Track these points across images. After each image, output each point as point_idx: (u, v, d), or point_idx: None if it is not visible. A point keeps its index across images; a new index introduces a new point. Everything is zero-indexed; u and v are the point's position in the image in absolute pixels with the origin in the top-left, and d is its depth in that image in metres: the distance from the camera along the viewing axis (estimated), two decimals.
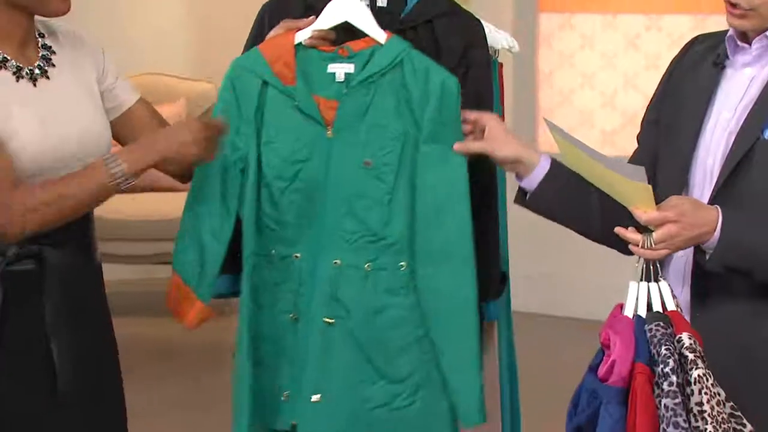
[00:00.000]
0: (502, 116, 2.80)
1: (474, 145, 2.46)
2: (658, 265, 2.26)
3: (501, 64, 2.87)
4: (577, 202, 2.46)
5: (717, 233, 2.23)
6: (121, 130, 2.54)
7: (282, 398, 2.52)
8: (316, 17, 2.52)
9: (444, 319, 2.47)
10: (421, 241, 2.47)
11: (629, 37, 6.16)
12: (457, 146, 2.45)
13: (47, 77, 2.42)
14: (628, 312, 2.25)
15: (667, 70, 2.52)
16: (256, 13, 2.72)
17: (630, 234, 2.24)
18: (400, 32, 2.61)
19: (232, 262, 2.55)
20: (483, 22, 2.71)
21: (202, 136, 2.39)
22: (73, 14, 2.45)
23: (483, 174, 2.60)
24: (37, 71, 2.41)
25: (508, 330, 2.96)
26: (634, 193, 2.21)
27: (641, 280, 2.26)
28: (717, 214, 2.24)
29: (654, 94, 2.53)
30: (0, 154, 2.30)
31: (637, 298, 2.26)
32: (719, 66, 2.39)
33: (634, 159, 2.48)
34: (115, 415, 2.55)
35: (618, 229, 2.25)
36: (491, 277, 2.70)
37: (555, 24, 6.31)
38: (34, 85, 2.40)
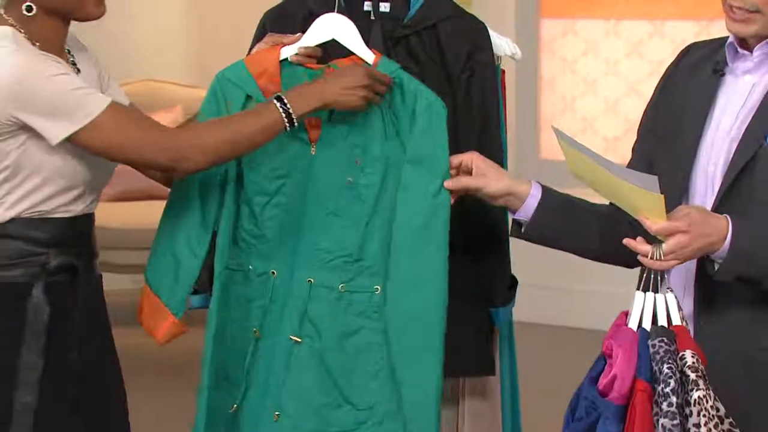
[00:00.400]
0: (504, 123, 2.80)
1: (466, 181, 2.46)
2: (666, 276, 2.25)
3: (503, 71, 2.88)
4: (574, 225, 2.47)
5: (727, 243, 2.23)
6: None
7: (230, 410, 2.50)
8: (303, 33, 2.52)
9: (407, 347, 2.43)
10: (395, 264, 2.44)
11: (632, 44, 6.17)
12: (448, 183, 2.44)
13: None
14: (633, 324, 2.24)
15: (662, 78, 2.52)
16: (255, 20, 2.72)
17: (640, 245, 2.23)
18: (403, 37, 2.62)
19: (209, 278, 2.56)
20: (487, 27, 2.72)
21: (365, 83, 2.40)
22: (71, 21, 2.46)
23: None
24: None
25: (510, 339, 2.96)
26: (645, 202, 2.20)
27: (646, 290, 2.25)
28: (727, 224, 2.24)
29: (648, 103, 2.53)
30: (119, 108, 2.32)
31: (642, 310, 2.25)
32: (719, 73, 2.39)
33: (630, 168, 2.48)
34: (121, 428, 2.56)
35: (627, 241, 2.24)
36: (499, 281, 2.70)
37: (557, 30, 6.32)
38: None
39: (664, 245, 2.20)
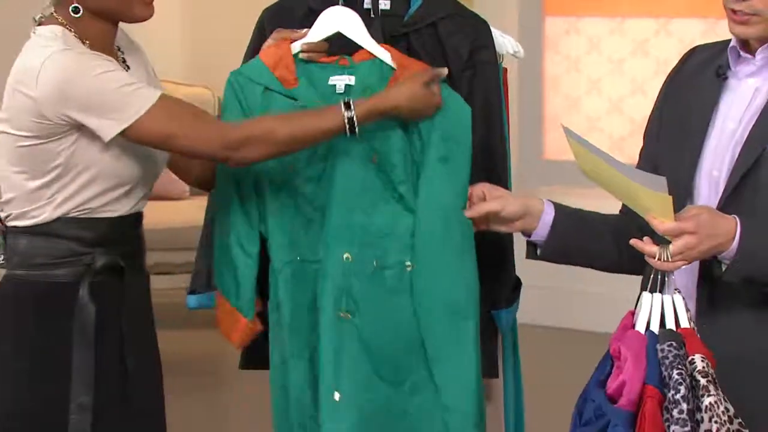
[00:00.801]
0: (507, 123, 2.81)
1: (485, 205, 2.49)
2: (673, 277, 2.26)
3: (506, 69, 2.87)
4: (590, 238, 2.49)
5: (735, 244, 2.23)
6: None
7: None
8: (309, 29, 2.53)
9: (437, 323, 2.49)
10: (423, 243, 2.49)
11: (638, 42, 6.17)
12: (468, 212, 2.48)
13: None
14: (640, 326, 2.24)
15: (665, 83, 2.53)
16: (253, 18, 2.72)
17: (647, 246, 2.23)
18: (403, 36, 2.62)
19: (207, 278, 2.61)
20: (489, 25, 2.72)
21: (435, 97, 2.45)
22: None
23: (494, 173, 2.63)
24: None
25: (513, 340, 2.96)
26: (653, 202, 2.21)
27: (653, 291, 2.25)
28: (735, 224, 2.24)
29: (653, 108, 2.53)
30: (171, 100, 2.35)
31: (650, 312, 2.25)
32: (721, 77, 2.40)
33: None
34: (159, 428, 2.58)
35: (634, 241, 2.25)
36: (502, 281, 2.71)
37: (561, 28, 6.32)
38: None
39: (671, 246, 2.21)
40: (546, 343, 5.58)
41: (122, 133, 2.31)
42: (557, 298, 5.94)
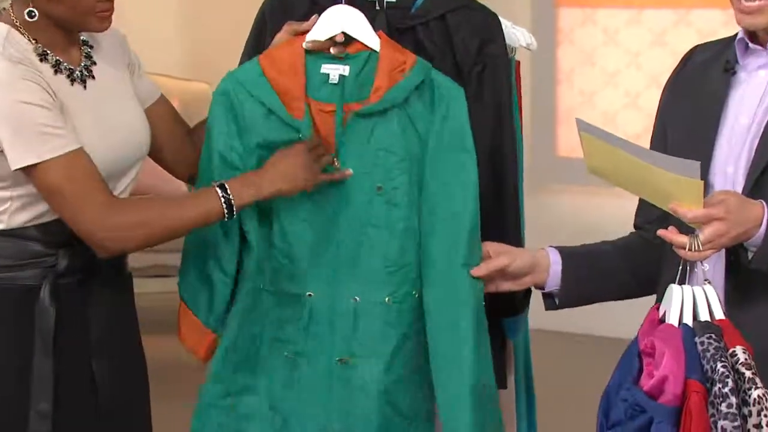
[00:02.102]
0: (519, 119, 2.82)
1: (493, 263, 2.50)
2: (703, 267, 2.27)
3: (518, 63, 2.88)
4: (605, 274, 2.52)
5: (762, 230, 2.25)
6: None
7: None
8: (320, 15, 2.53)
9: (439, 345, 2.49)
10: (426, 256, 2.49)
11: (656, 33, 6.18)
12: (475, 272, 2.48)
13: (93, 77, 2.45)
14: (673, 320, 2.24)
15: (665, 87, 2.54)
16: (253, 11, 2.73)
17: (676, 237, 2.24)
18: (410, 28, 2.63)
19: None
20: (498, 17, 2.73)
21: (306, 163, 2.44)
22: None
23: (503, 172, 2.64)
24: (85, 72, 2.44)
25: (525, 348, 2.97)
26: (681, 189, 2.20)
27: (682, 282, 2.26)
28: (763, 210, 2.25)
29: (655, 117, 2.55)
30: (79, 160, 2.33)
31: (681, 304, 2.25)
32: (730, 71, 2.40)
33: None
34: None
35: (662, 232, 2.26)
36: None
37: (576, 19, 6.33)
38: (84, 87, 2.43)
39: (701, 234, 2.21)
40: (559, 349, 5.59)
41: (23, 170, 2.32)
42: None
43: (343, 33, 2.51)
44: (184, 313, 2.59)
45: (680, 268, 2.26)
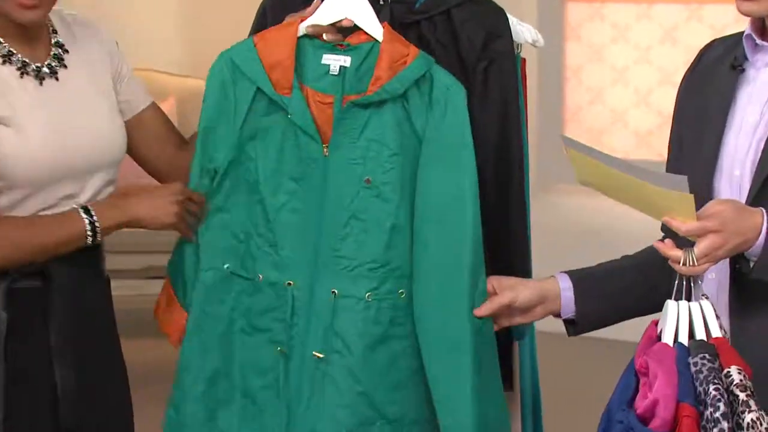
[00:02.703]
0: (525, 118, 2.82)
1: (496, 300, 2.47)
2: (699, 282, 2.23)
3: (524, 60, 2.88)
4: (623, 291, 2.50)
5: (762, 238, 2.21)
6: (130, 135, 2.58)
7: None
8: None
9: (435, 346, 2.47)
10: (418, 263, 2.47)
11: (666, 29, 6.18)
12: (479, 311, 2.45)
13: (56, 78, 2.45)
14: (668, 338, 2.22)
15: (681, 84, 2.53)
16: (250, 8, 2.73)
17: (669, 250, 2.21)
18: (414, 23, 2.63)
19: None
20: (505, 13, 2.73)
21: (177, 201, 2.46)
22: (61, 7, 2.49)
23: (509, 171, 2.64)
24: (45, 69, 2.44)
25: (531, 351, 2.98)
26: (673, 204, 2.18)
27: (679, 298, 2.23)
28: (762, 218, 2.22)
29: (673, 114, 2.53)
30: None
31: (677, 321, 2.23)
32: (738, 68, 2.38)
33: None
34: None
35: (656, 243, 2.23)
36: None
37: (584, 14, 6.33)
38: (40, 83, 2.43)
39: (695, 248, 2.18)
40: (566, 352, 5.58)
41: None
42: None
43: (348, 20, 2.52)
44: (166, 288, 2.59)
45: (676, 282, 2.23)
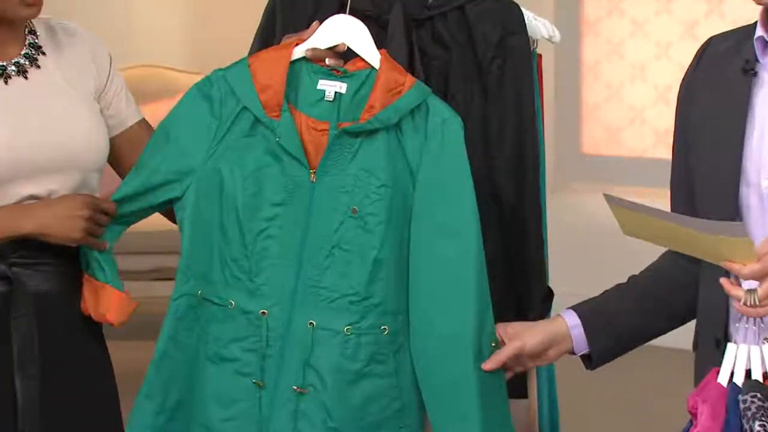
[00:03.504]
0: (541, 114, 2.82)
1: (504, 351, 2.43)
2: (761, 324, 2.22)
3: (540, 56, 2.88)
4: (632, 318, 2.48)
5: None
6: (117, 150, 2.57)
7: None
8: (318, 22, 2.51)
9: (437, 390, 2.45)
10: (415, 299, 2.44)
11: (687, 24, 6.17)
12: (486, 366, 2.41)
13: (25, 77, 2.45)
14: (723, 379, 2.22)
15: (681, 85, 2.48)
16: (255, 4, 2.73)
17: (732, 289, 2.17)
18: (427, 19, 2.63)
19: None
20: (521, 8, 2.73)
21: (85, 215, 2.40)
22: (69, 3, 2.49)
23: (524, 170, 2.64)
24: (12, 68, 2.44)
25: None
26: (731, 249, 2.15)
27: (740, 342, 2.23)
28: None
29: (675, 118, 2.47)
30: None
31: (734, 363, 2.22)
32: (750, 72, 2.32)
33: (674, 207, 2.45)
34: None
35: (723, 281, 2.18)
36: (531, 293, 2.70)
37: (602, 9, 6.33)
38: (5, 82, 2.43)
39: (759, 289, 2.15)
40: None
41: None
42: None
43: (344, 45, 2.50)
44: (86, 281, 2.52)
45: (738, 325, 2.24)
